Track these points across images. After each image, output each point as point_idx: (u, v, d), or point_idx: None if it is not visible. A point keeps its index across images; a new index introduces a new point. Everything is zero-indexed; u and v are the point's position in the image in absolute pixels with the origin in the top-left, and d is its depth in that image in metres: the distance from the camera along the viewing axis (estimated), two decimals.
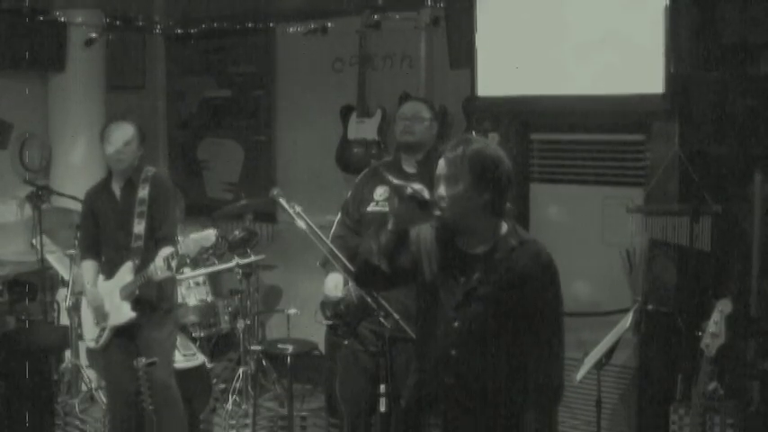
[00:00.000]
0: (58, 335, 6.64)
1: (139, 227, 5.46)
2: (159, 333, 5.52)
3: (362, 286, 4.13)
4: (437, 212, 3.44)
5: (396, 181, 3.69)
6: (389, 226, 3.51)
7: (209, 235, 5.18)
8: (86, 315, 5.73)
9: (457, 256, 3.53)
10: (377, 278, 3.64)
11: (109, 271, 5.56)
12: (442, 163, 3.46)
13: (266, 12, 7.79)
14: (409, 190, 3.46)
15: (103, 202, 5.58)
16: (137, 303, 5.46)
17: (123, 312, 5.45)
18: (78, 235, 5.81)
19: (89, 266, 5.67)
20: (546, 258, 3.52)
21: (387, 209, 5.01)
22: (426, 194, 3.47)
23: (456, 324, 3.50)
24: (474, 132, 6.29)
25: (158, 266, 5.24)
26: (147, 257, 5.44)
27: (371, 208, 5.10)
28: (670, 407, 5.20)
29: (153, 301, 5.58)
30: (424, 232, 3.62)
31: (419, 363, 3.72)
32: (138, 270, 5.41)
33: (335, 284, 4.95)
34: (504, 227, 3.54)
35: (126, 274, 5.45)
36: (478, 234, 3.50)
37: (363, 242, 3.69)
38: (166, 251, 5.28)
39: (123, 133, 5.46)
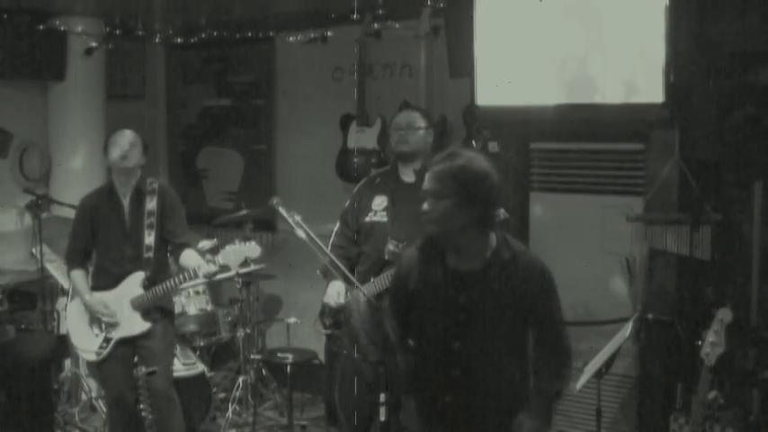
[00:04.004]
0: (58, 344, 6.63)
1: (150, 238, 5.49)
2: (161, 342, 5.53)
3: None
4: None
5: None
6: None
7: (255, 247, 5.22)
8: (79, 326, 5.69)
9: (451, 276, 3.51)
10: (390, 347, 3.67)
11: (107, 282, 5.56)
12: (428, 177, 3.45)
13: (266, 21, 7.81)
14: (354, 311, 3.51)
15: (109, 213, 5.57)
16: (147, 313, 5.47)
17: (136, 323, 5.47)
18: (69, 243, 5.76)
19: (81, 276, 5.65)
20: (540, 268, 3.52)
21: (385, 219, 5.04)
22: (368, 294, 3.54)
23: (456, 344, 3.49)
24: (474, 141, 6.29)
25: (202, 266, 5.26)
26: (157, 268, 5.49)
27: (370, 218, 5.11)
28: (670, 416, 5.20)
29: (171, 310, 5.71)
30: (407, 258, 3.63)
31: (420, 382, 3.70)
32: (150, 281, 5.45)
33: (337, 292, 4.95)
34: (494, 239, 3.51)
35: (134, 284, 5.47)
36: (469, 250, 3.48)
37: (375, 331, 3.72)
38: (193, 253, 5.38)
39: (127, 138, 5.48)
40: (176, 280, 5.37)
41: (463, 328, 3.48)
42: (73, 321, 5.74)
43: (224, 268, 5.44)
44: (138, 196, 5.55)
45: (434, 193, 3.41)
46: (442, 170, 3.40)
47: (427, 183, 3.44)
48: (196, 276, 5.31)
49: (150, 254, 5.50)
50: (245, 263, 5.77)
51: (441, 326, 3.52)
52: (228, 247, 5.21)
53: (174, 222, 5.58)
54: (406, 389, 3.79)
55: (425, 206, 3.42)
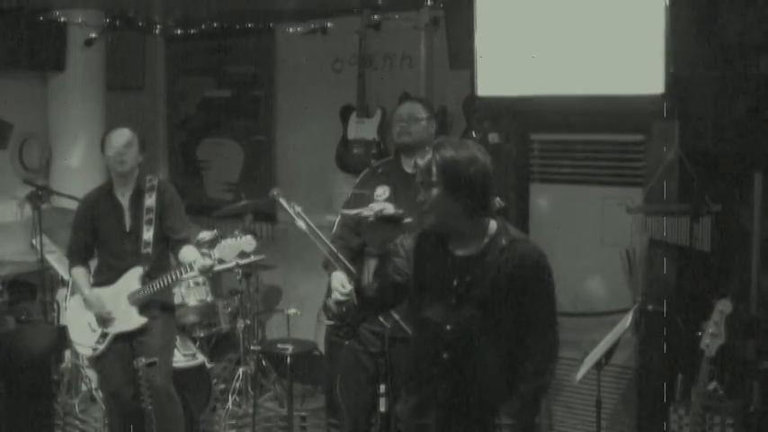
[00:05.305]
0: (58, 335, 6.63)
1: (148, 234, 5.51)
2: (160, 339, 5.53)
3: (371, 315, 4.17)
4: (407, 220, 3.48)
5: (350, 212, 3.74)
6: (372, 251, 3.55)
7: (250, 240, 5.23)
8: (77, 322, 5.70)
9: (448, 260, 3.54)
10: (378, 304, 3.69)
11: (109, 277, 5.57)
12: (417, 169, 3.52)
13: (266, 12, 7.79)
14: (371, 217, 3.51)
15: (108, 211, 5.58)
16: (144, 308, 5.49)
17: (133, 318, 5.48)
18: (70, 241, 5.78)
19: (81, 273, 5.67)
20: (536, 257, 3.53)
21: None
22: (391, 209, 3.53)
23: (448, 327, 3.51)
24: (474, 132, 6.29)
25: (198, 260, 5.27)
26: (155, 264, 5.51)
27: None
28: (670, 407, 5.20)
29: (171, 304, 5.74)
30: (408, 241, 3.65)
31: (414, 366, 3.72)
32: (149, 276, 5.47)
33: (341, 282, 4.94)
34: (494, 226, 3.55)
35: (133, 280, 5.48)
36: (466, 235, 3.53)
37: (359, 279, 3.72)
38: (192, 249, 5.38)
39: (124, 136, 5.50)
40: (173, 275, 5.37)
41: (455, 312, 3.51)
42: (72, 317, 5.75)
43: (220, 262, 5.45)
44: (138, 193, 5.57)
45: (424, 183, 3.48)
46: (428, 161, 3.47)
47: (417, 174, 3.52)
48: (192, 270, 5.32)
49: (149, 249, 5.51)
50: (243, 252, 5.77)
51: (435, 308, 3.56)
52: (224, 242, 5.21)
53: (174, 218, 5.59)
54: (406, 375, 3.81)
55: (419, 197, 3.49)
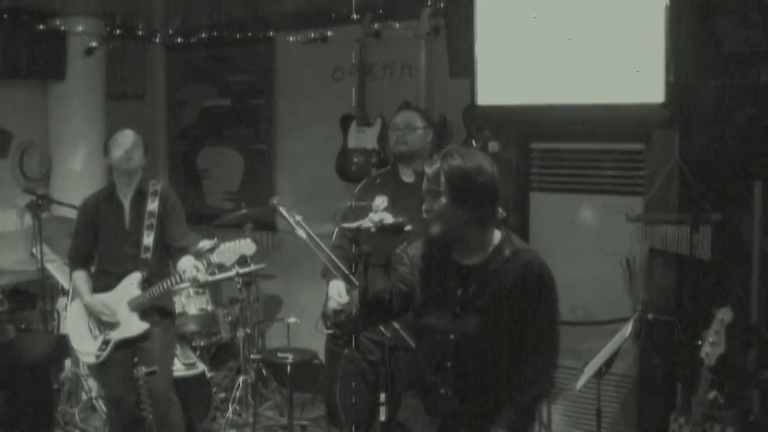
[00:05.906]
0: (58, 344, 6.63)
1: (148, 239, 5.50)
2: (160, 345, 5.52)
3: (373, 324, 4.17)
4: (408, 228, 3.48)
5: (350, 225, 3.75)
6: (379, 261, 3.55)
7: (249, 244, 5.23)
8: (78, 329, 5.67)
9: (452, 269, 3.55)
10: (380, 313, 3.68)
11: (107, 282, 5.56)
12: (425, 177, 3.51)
13: (266, 21, 7.80)
14: (372, 228, 3.51)
15: (109, 213, 5.57)
16: (145, 314, 5.48)
17: (134, 324, 5.46)
18: (71, 245, 5.76)
19: (82, 277, 5.64)
20: (538, 268, 3.53)
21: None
22: (390, 218, 3.54)
23: (452, 336, 3.51)
24: (474, 141, 6.29)
25: (189, 269, 5.26)
26: (154, 269, 5.50)
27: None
28: (670, 416, 5.20)
29: (171, 310, 5.73)
30: (412, 249, 3.65)
31: (417, 374, 3.72)
32: (147, 281, 5.45)
33: (339, 291, 4.94)
34: (499, 236, 3.56)
35: (132, 285, 5.47)
36: (471, 245, 3.53)
37: (358, 282, 3.71)
38: (190, 259, 5.35)
39: (130, 137, 5.50)
40: (170, 281, 5.37)
41: (458, 321, 3.51)
42: (72, 324, 5.73)
43: (219, 267, 5.44)
44: (140, 197, 5.56)
45: (430, 192, 3.48)
46: (435, 171, 3.47)
47: (424, 183, 3.52)
48: (183, 280, 5.32)
49: (148, 255, 5.50)
50: (243, 261, 5.75)
51: (439, 317, 3.56)
52: (223, 246, 5.22)
53: (174, 225, 5.58)
54: (408, 382, 3.81)
55: (424, 205, 3.49)
